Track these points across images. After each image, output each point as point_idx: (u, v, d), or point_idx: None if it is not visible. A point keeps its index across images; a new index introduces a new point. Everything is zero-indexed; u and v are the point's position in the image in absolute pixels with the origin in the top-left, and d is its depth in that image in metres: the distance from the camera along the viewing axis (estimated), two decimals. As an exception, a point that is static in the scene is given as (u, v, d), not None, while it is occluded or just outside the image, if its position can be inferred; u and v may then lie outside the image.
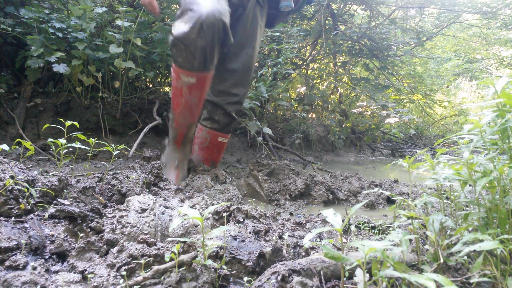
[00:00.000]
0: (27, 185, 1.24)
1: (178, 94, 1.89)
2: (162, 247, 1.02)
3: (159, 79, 3.44)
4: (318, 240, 1.28)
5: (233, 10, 2.01)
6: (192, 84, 1.84)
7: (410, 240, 1.06)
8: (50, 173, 1.98)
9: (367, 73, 5.77)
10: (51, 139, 1.58)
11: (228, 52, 2.09)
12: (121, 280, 0.89)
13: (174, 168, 2.02)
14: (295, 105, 4.90)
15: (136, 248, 0.97)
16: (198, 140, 2.31)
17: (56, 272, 0.94)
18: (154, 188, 1.71)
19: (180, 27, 1.73)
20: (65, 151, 1.57)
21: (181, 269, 0.89)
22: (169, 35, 1.81)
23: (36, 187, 1.30)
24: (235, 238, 1.12)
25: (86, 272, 0.93)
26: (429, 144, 6.46)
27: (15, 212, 1.14)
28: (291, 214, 1.85)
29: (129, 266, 0.93)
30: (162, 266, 0.89)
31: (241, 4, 2.08)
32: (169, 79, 3.45)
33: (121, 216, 1.18)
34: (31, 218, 1.13)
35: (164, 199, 1.37)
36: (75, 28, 2.60)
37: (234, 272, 1.01)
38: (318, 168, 3.34)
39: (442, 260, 0.89)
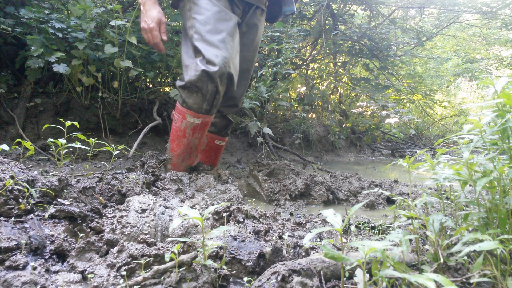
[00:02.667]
0: (27, 185, 1.24)
1: (180, 135, 2.02)
2: (162, 247, 1.02)
3: (159, 79, 3.44)
4: (318, 240, 1.28)
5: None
6: (196, 125, 1.99)
7: (410, 240, 1.06)
8: (50, 173, 1.98)
9: (367, 73, 5.78)
10: (51, 139, 1.58)
11: None
12: (121, 280, 0.89)
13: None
14: (295, 105, 4.90)
15: (136, 248, 0.97)
16: None
17: (56, 272, 0.94)
18: (154, 188, 1.71)
19: (195, 71, 1.87)
20: (65, 151, 1.57)
21: (181, 269, 0.89)
22: (177, 79, 1.97)
23: (36, 187, 1.30)
24: (235, 238, 1.12)
25: (86, 272, 0.93)
26: (429, 144, 6.46)
27: (15, 212, 1.14)
28: (291, 214, 1.85)
29: (129, 266, 0.93)
30: (162, 266, 0.89)
31: (243, 13, 2.09)
32: (169, 79, 3.45)
33: (121, 216, 1.18)
34: (31, 218, 1.13)
35: (164, 199, 1.37)
36: (75, 28, 2.60)
37: (234, 272, 1.01)
38: (318, 168, 3.34)
39: (442, 260, 0.89)
